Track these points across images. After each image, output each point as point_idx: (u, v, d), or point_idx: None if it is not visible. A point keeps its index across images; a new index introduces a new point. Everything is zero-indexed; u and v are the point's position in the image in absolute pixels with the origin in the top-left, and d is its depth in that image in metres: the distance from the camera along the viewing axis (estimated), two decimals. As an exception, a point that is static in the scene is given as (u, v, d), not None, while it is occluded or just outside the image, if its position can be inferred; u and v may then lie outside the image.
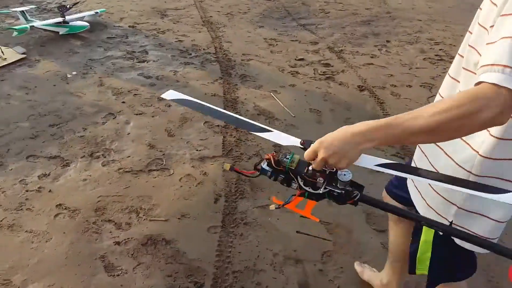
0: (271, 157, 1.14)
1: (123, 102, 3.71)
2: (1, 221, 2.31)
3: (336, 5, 7.51)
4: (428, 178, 1.03)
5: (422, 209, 1.33)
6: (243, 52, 5.06)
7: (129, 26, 5.75)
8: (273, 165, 1.13)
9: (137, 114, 3.52)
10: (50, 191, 2.59)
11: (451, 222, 1.23)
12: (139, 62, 4.60)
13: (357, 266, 2.20)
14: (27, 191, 2.58)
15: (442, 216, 1.25)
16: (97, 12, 5.71)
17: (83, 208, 2.45)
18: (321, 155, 1.00)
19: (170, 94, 1.36)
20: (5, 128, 3.22)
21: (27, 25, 4.81)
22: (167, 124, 3.40)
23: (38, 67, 4.33)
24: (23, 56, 4.52)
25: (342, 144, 0.99)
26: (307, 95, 4.06)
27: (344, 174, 1.06)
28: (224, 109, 3.65)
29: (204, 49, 5.11)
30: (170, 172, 2.84)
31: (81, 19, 5.43)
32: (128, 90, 3.92)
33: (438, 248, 1.32)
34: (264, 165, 1.16)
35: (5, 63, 4.32)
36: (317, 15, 6.96)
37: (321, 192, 1.10)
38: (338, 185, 1.08)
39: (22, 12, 5.35)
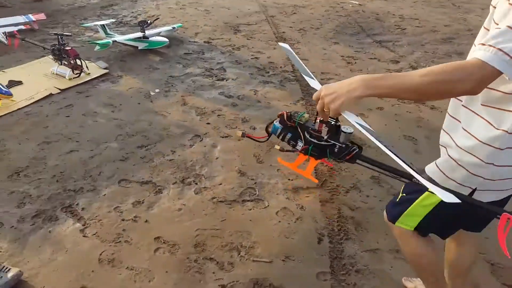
0: (284, 113, 1.32)
1: (208, 123, 3.60)
2: (101, 254, 2.22)
3: (412, 21, 7.14)
4: (391, 152, 1.11)
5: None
6: (321, 71, 4.85)
7: (204, 42, 5.72)
8: (285, 119, 1.31)
9: (223, 137, 3.39)
10: (146, 221, 2.48)
11: (474, 189, 1.36)
12: (218, 80, 4.51)
13: (407, 282, 2.12)
14: (123, 220, 2.48)
15: (464, 186, 1.37)
16: (174, 28, 5.73)
17: (182, 243, 2.31)
18: (322, 93, 1.16)
19: (285, 46, 1.68)
20: (95, 148, 3.18)
21: (110, 40, 4.87)
22: (254, 149, 3.24)
23: (121, 83, 4.34)
24: (106, 71, 4.56)
25: (341, 86, 1.14)
26: (398, 120, 3.77)
27: (347, 128, 1.22)
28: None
29: (281, 67, 4.95)
30: (265, 204, 2.65)
31: (158, 34, 5.45)
32: (212, 110, 3.81)
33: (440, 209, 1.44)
34: (276, 122, 1.35)
35: (89, 78, 4.37)
36: (392, 32, 6.63)
37: (324, 143, 1.24)
38: (340, 139, 1.23)
39: (103, 26, 5.47)
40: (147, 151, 3.17)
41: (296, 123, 1.30)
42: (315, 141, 1.25)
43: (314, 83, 1.42)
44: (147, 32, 5.25)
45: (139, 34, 5.19)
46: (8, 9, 7.09)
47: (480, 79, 1.03)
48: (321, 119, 1.21)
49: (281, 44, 1.71)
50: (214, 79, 4.53)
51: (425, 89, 1.07)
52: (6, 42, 5.30)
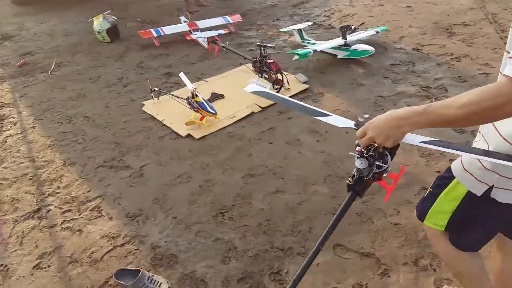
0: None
1: (438, 171, 2.82)
2: None
3: None
4: (466, 152, 1.18)
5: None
6: None
7: (413, 49, 4.83)
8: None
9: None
10: (377, 321, 1.91)
11: (491, 186, 1.26)
12: (439, 104, 3.63)
13: None
14: (347, 311, 1.96)
15: (482, 182, 1.28)
16: (377, 32, 4.99)
17: None
18: (369, 134, 1.20)
19: (251, 87, 1.71)
20: (302, 191, 2.75)
21: (311, 50, 4.41)
22: None
23: (323, 102, 3.85)
24: (306, 86, 4.13)
25: (387, 126, 1.16)
26: None
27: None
28: None
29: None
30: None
31: (359, 40, 4.79)
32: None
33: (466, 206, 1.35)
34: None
35: (289, 94, 3.99)
36: None
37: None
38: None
39: (299, 30, 5.09)
40: (363, 205, 2.59)
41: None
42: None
43: (343, 122, 1.36)
44: (349, 39, 4.64)
45: (340, 41, 4.61)
46: (206, 8, 7.36)
47: None
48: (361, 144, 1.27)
49: (247, 88, 1.69)
50: (434, 101, 3.67)
51: (466, 120, 1.03)
52: (206, 46, 5.37)
